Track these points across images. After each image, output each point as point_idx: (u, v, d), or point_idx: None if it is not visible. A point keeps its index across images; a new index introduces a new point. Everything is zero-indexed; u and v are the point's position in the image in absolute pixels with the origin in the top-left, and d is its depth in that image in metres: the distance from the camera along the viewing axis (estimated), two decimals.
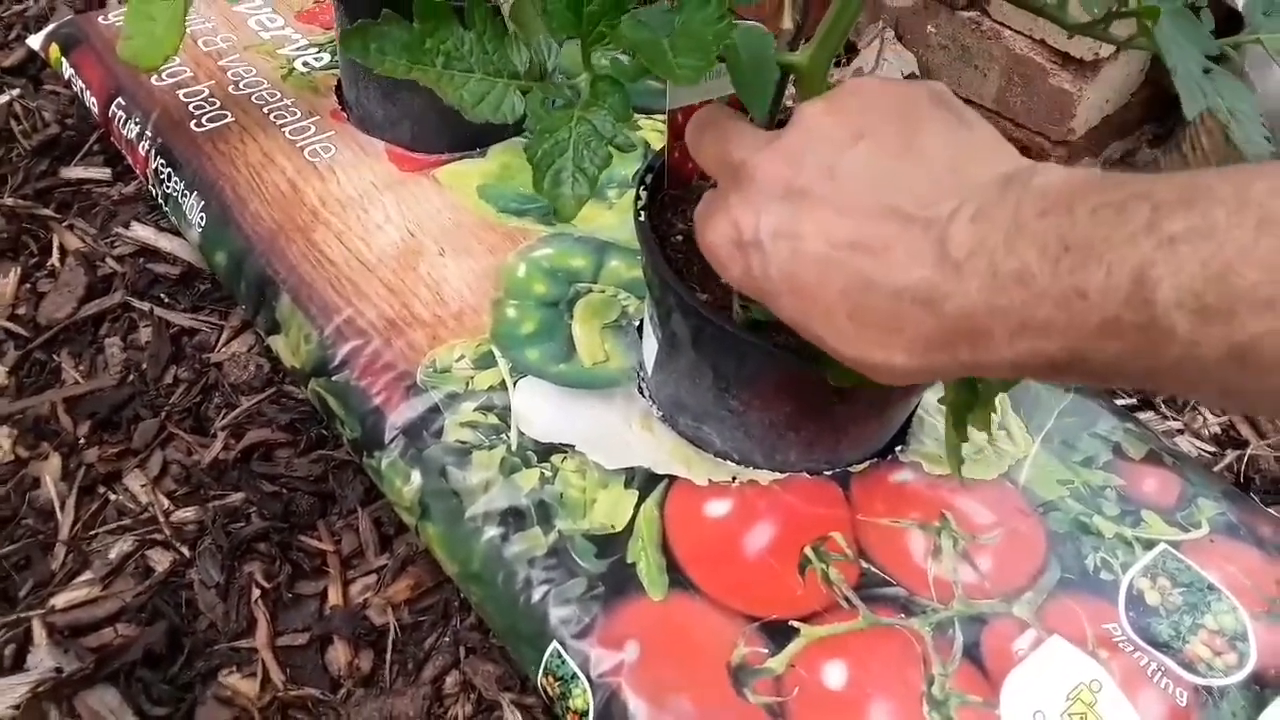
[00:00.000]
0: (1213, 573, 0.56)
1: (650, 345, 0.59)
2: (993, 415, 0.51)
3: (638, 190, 0.57)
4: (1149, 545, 0.57)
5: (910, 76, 1.08)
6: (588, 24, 0.47)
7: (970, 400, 0.48)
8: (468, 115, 0.47)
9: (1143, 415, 0.77)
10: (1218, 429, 0.80)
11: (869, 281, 0.35)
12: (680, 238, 0.57)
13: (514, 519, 0.54)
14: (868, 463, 0.59)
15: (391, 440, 0.59)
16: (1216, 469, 0.74)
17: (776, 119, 0.53)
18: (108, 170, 0.86)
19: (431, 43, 0.46)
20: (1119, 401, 0.77)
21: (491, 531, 0.54)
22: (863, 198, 0.35)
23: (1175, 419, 0.80)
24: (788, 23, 0.52)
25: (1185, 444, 0.76)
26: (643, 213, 0.55)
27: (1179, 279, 0.27)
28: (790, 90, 0.50)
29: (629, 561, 0.53)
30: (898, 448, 0.60)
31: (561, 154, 0.45)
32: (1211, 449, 0.78)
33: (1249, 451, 0.77)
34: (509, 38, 0.49)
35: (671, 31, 0.44)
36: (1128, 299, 0.28)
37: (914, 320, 0.34)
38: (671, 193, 0.59)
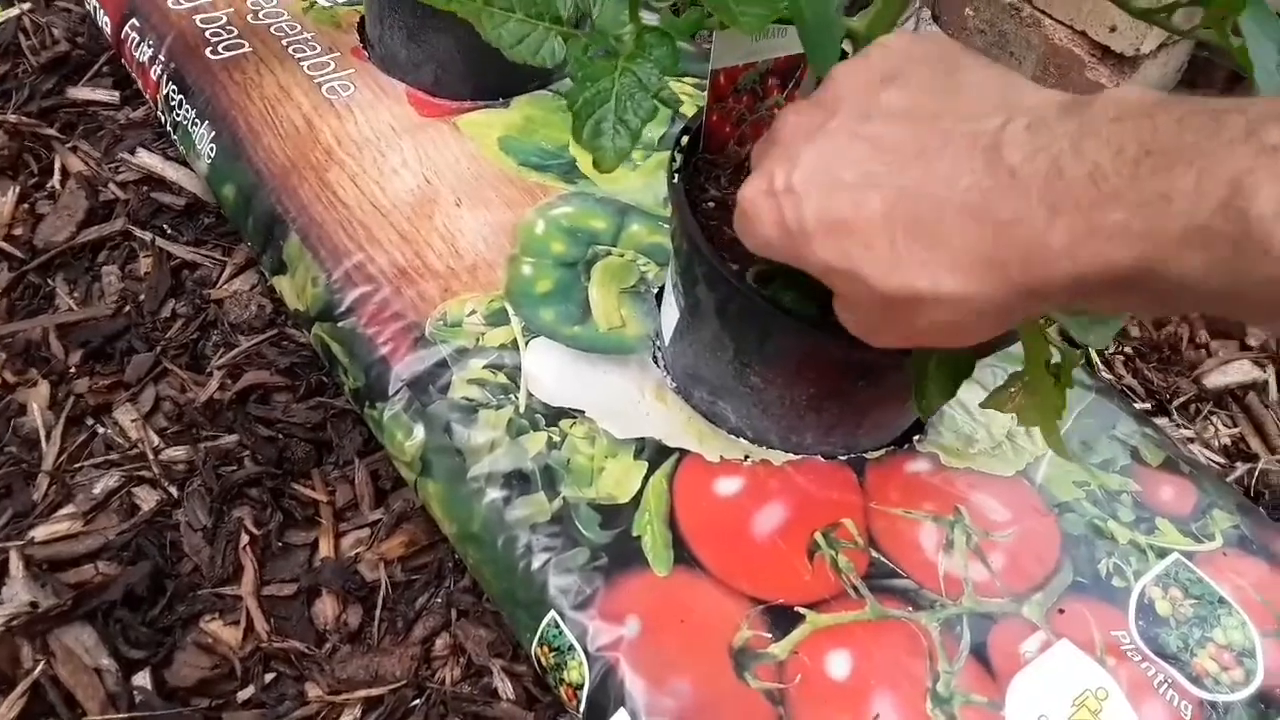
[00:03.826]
0: (1224, 586, 0.55)
1: (670, 314, 0.57)
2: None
3: (673, 152, 0.55)
4: (1162, 554, 0.56)
5: None
6: None
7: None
8: (507, 55, 0.45)
9: (1156, 421, 0.76)
10: (1228, 440, 0.79)
11: (911, 197, 0.32)
12: (712, 204, 0.55)
13: (518, 482, 0.53)
14: (884, 450, 0.57)
15: (396, 392, 0.57)
16: (1228, 480, 0.73)
17: None
18: (116, 93, 0.84)
19: None
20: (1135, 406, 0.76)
21: (494, 494, 0.52)
22: (899, 127, 0.33)
23: (1187, 427, 0.79)
24: None
25: (1195, 454, 0.75)
26: (676, 175, 0.53)
27: None
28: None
29: (634, 535, 0.51)
30: (915, 437, 0.58)
31: (603, 104, 0.44)
32: (1221, 460, 0.76)
33: (1259, 466, 0.76)
34: None
35: None
36: (1221, 206, 0.25)
37: (961, 232, 0.31)
38: (706, 156, 0.56)
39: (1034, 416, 0.48)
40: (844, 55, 0.47)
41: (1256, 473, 0.74)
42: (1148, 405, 0.78)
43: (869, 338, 0.38)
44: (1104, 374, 0.80)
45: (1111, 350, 0.82)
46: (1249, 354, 0.84)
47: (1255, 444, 0.78)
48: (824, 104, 0.37)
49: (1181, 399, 0.80)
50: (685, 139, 0.55)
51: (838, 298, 0.37)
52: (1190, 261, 0.27)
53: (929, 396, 0.47)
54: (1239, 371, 0.82)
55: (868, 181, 0.33)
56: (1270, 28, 0.42)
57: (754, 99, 0.57)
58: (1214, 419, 0.80)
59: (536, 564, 0.50)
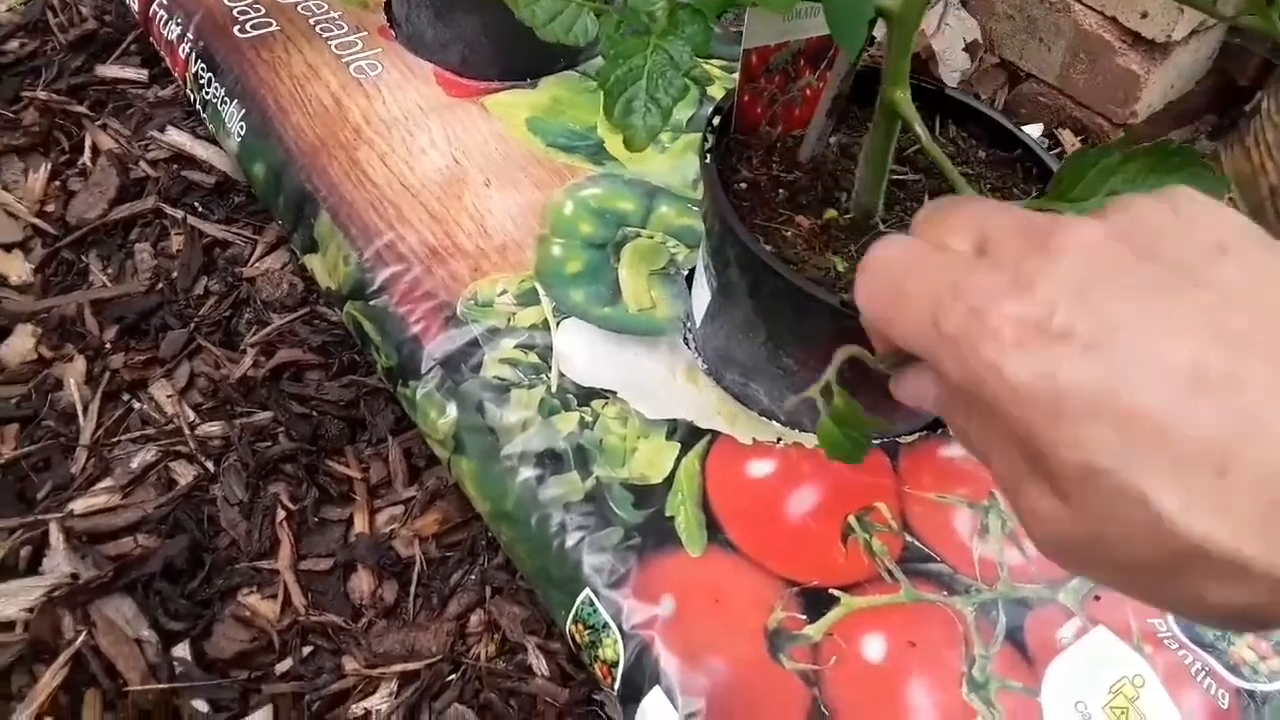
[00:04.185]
0: None
1: (701, 296, 0.57)
2: None
3: (705, 133, 0.54)
4: None
5: (973, 44, 1.05)
6: None
7: None
8: (539, 34, 0.45)
9: None
10: None
11: (1260, 427, 0.23)
12: (744, 185, 0.54)
13: (551, 461, 0.53)
14: (917, 435, 0.57)
15: (428, 371, 0.57)
16: None
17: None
18: (144, 71, 0.84)
19: None
20: None
21: (527, 472, 0.52)
22: (1246, 318, 0.24)
23: None
24: None
25: None
26: (709, 155, 0.53)
27: None
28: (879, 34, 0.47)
29: (667, 515, 0.51)
30: None
31: (634, 81, 0.43)
32: None
33: None
34: None
35: None
36: None
37: None
38: (737, 137, 0.56)
39: None
40: (873, 41, 0.46)
41: None
42: None
43: (1063, 558, 0.27)
44: None
45: None
46: None
47: None
48: (1132, 235, 0.26)
49: None
50: (717, 119, 0.55)
51: (1072, 496, 0.25)
52: None
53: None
54: None
55: (1202, 376, 0.23)
56: None
57: (786, 79, 0.57)
58: None
59: (570, 542, 0.50)
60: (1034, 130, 0.99)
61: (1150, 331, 0.24)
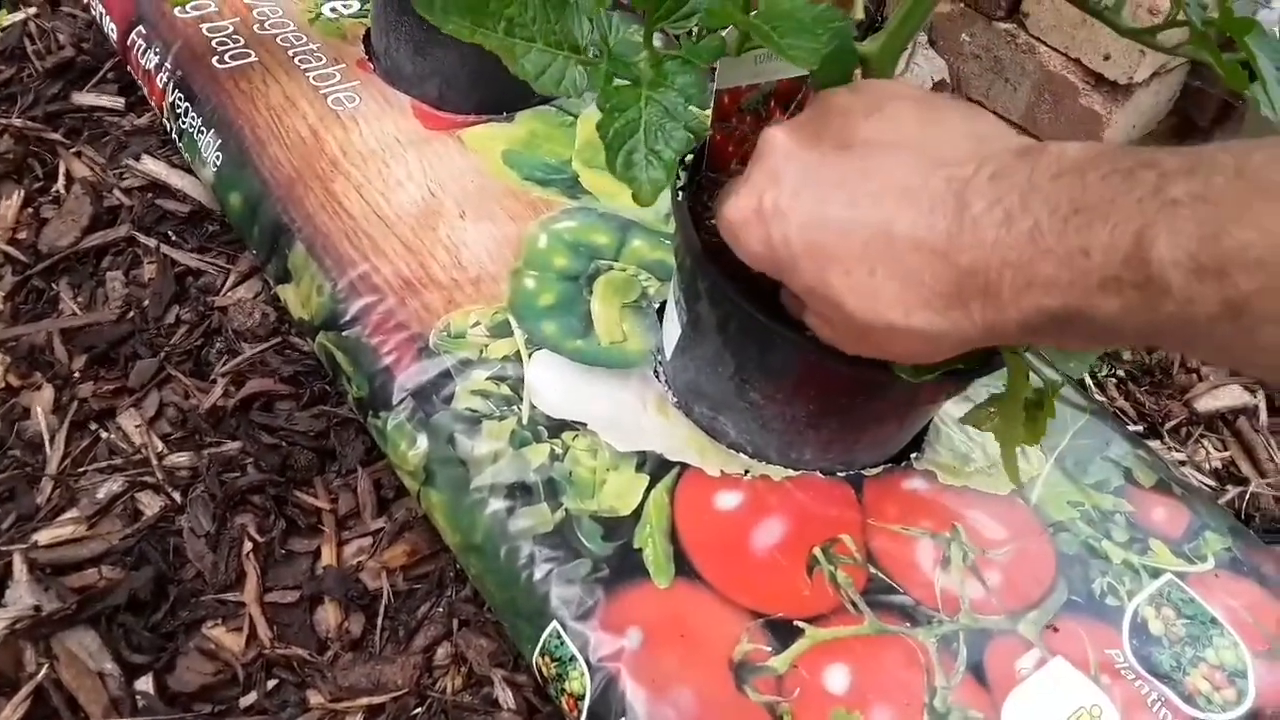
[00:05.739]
0: (1216, 607, 0.56)
1: (672, 329, 0.58)
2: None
3: (678, 170, 0.55)
4: (1155, 574, 0.56)
5: (940, 83, 1.07)
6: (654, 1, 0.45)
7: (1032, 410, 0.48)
8: (535, 86, 0.45)
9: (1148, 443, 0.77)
10: (1219, 463, 0.80)
11: (890, 234, 0.35)
12: (715, 221, 0.55)
13: (521, 493, 0.53)
14: (882, 467, 0.58)
15: (400, 402, 0.57)
16: (1219, 503, 0.74)
17: None
18: (121, 100, 0.84)
19: (495, 5, 0.45)
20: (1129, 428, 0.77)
21: (497, 504, 0.53)
22: (883, 157, 0.36)
23: (1178, 450, 0.80)
24: (859, 12, 0.50)
25: (1187, 476, 0.76)
26: (681, 193, 0.54)
27: (1176, 239, 0.28)
28: None
29: (636, 547, 0.51)
30: (913, 455, 0.59)
31: (633, 134, 0.43)
32: (1212, 483, 0.77)
33: (1249, 489, 0.77)
34: (571, 7, 0.47)
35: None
36: (1127, 258, 0.29)
37: (932, 272, 0.34)
38: (710, 175, 0.57)
39: (1009, 437, 0.49)
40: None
41: (1247, 495, 0.75)
42: (1139, 428, 0.79)
43: (840, 347, 0.41)
44: (1097, 396, 0.81)
45: (1104, 373, 0.84)
46: (1239, 379, 0.85)
47: (1245, 468, 0.79)
48: (809, 127, 0.39)
49: (1173, 422, 0.81)
50: (689, 157, 0.56)
51: (814, 313, 0.41)
52: (1109, 306, 0.30)
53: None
54: (1229, 396, 0.84)
55: (851, 212, 0.36)
56: (1268, 47, 0.43)
57: (757, 120, 0.58)
58: (1205, 442, 0.81)
59: (539, 575, 0.50)
60: None
61: (818, 193, 0.37)
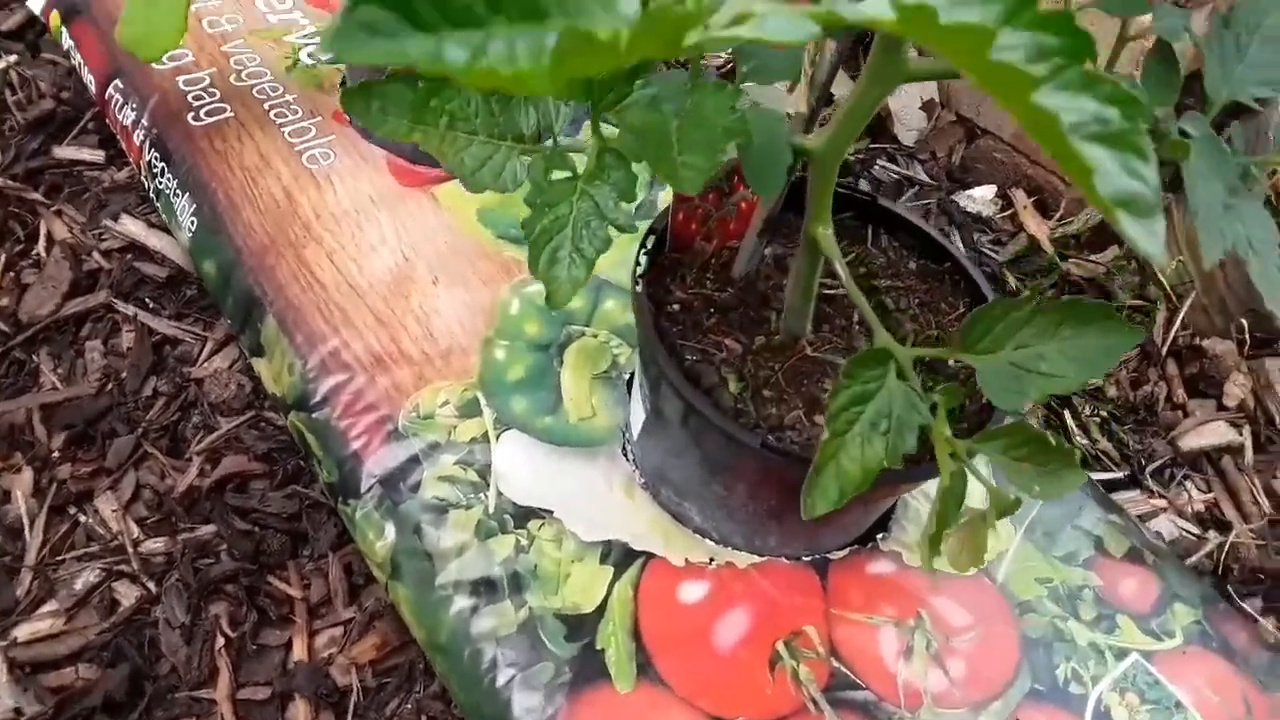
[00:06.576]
0: (1182, 688, 0.56)
1: (638, 410, 0.58)
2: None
3: (638, 255, 0.55)
4: (1121, 655, 0.57)
5: (929, 103, 1.05)
6: (598, 91, 0.45)
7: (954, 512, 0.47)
8: (466, 184, 0.45)
9: (1127, 493, 0.76)
10: (1201, 507, 0.79)
11: None
12: (678, 306, 0.55)
13: (485, 590, 0.54)
14: (848, 549, 0.58)
15: (368, 490, 0.58)
16: (1197, 555, 0.73)
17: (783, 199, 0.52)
18: (101, 153, 0.84)
19: (437, 102, 0.44)
20: (1105, 476, 0.76)
21: (462, 602, 0.53)
22: None
23: (1160, 495, 0.79)
24: (803, 105, 0.49)
25: (1167, 524, 0.76)
26: (640, 282, 0.54)
27: None
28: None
29: (598, 648, 0.52)
30: (879, 535, 0.59)
31: (560, 231, 0.43)
32: (1195, 530, 0.77)
33: (1230, 539, 0.76)
34: (517, 98, 0.47)
35: (683, 109, 0.42)
36: None
37: None
38: (673, 256, 0.57)
39: (964, 560, 0.47)
40: (792, 169, 0.47)
41: (1226, 547, 0.75)
42: (1121, 474, 0.79)
43: None
44: (1079, 439, 0.80)
45: (1088, 414, 0.83)
46: (1226, 414, 0.84)
47: (1229, 510, 0.79)
48: None
49: (1156, 463, 0.80)
50: (651, 240, 0.56)
51: None
52: None
53: (815, 496, 0.45)
54: (1215, 433, 0.83)
55: None
56: (1216, 164, 0.42)
57: (720, 195, 0.57)
58: (1188, 484, 0.80)
59: (502, 680, 0.51)
60: (986, 192, 1.00)
61: None
